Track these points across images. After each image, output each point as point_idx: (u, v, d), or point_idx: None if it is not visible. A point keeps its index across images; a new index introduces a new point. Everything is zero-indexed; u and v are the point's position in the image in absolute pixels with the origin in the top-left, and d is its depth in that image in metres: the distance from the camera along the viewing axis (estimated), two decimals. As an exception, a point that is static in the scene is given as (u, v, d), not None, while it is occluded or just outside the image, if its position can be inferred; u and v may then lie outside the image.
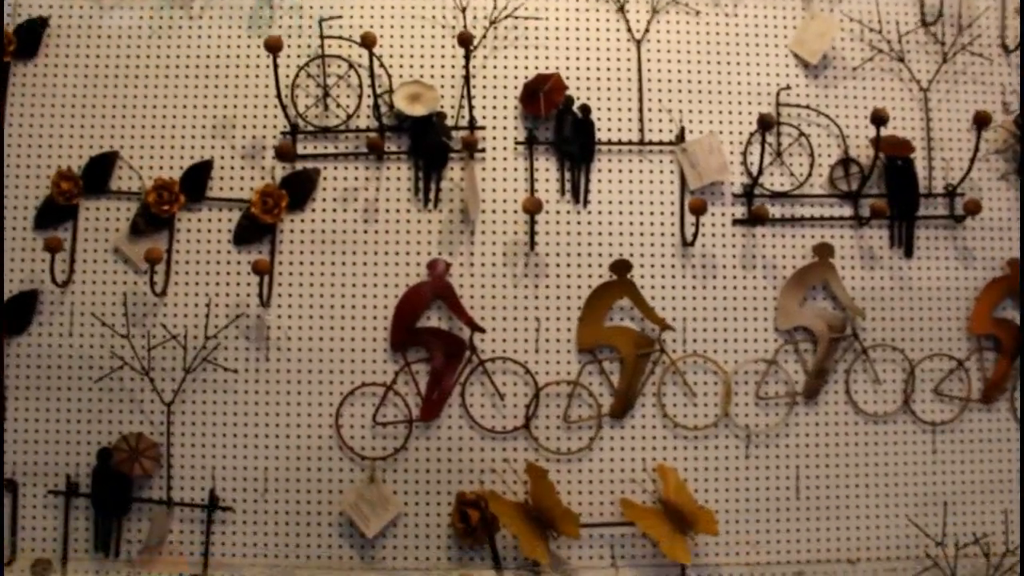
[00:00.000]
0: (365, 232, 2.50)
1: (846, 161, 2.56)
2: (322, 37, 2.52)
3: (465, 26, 2.53)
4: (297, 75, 2.52)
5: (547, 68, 2.55)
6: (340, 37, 2.54)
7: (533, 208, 2.38)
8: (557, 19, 2.57)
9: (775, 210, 2.52)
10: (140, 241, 2.45)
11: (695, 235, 2.42)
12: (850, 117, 2.58)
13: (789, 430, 2.48)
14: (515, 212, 2.49)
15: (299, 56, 2.54)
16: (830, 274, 2.51)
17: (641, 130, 2.55)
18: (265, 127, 2.53)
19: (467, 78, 2.45)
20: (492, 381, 2.45)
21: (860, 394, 2.49)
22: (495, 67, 2.55)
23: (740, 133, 2.55)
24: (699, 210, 2.36)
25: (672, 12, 2.58)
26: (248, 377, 2.45)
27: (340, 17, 2.54)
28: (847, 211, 2.55)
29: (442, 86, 2.54)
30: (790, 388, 2.50)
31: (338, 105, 2.53)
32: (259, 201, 2.45)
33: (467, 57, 2.39)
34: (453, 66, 2.55)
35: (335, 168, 2.52)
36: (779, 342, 2.50)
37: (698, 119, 2.55)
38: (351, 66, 2.53)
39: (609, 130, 2.54)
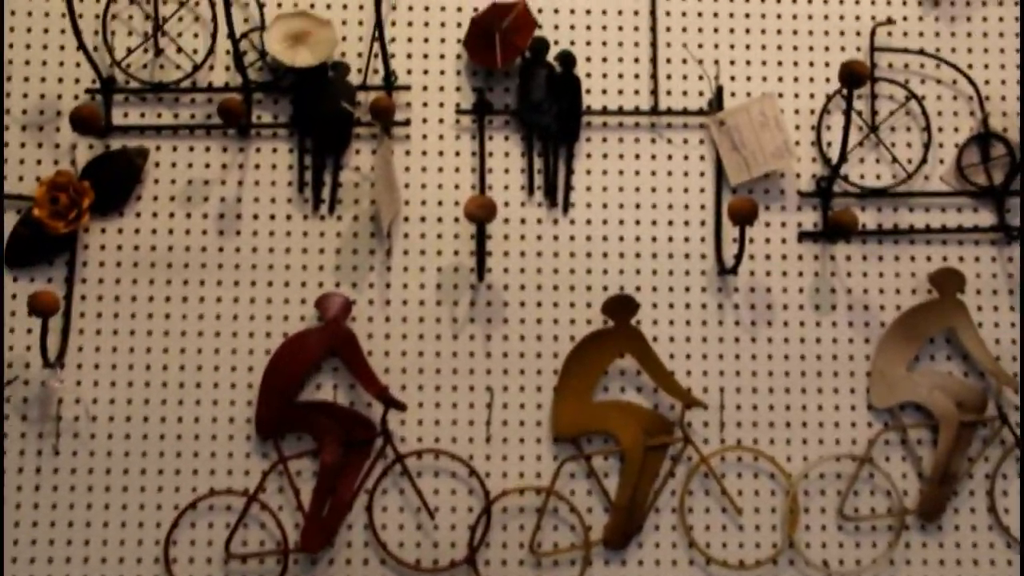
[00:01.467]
0: (219, 250, 1.70)
1: (985, 138, 1.74)
2: None
3: None
4: None
5: (508, -6, 1.79)
6: None
7: (482, 214, 1.59)
8: None
9: (868, 217, 1.72)
10: None
11: (739, 256, 1.62)
12: (992, 69, 1.77)
13: (896, 570, 1.68)
14: (456, 220, 1.70)
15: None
16: (959, 318, 1.69)
17: (655, 91, 1.74)
18: (62, 80, 1.73)
19: (377, 7, 1.64)
20: (417, 487, 1.64)
21: (1014, 513, 1.68)
22: (427, -8, 1.80)
23: (811, 96, 1.75)
24: (745, 217, 1.57)
25: None
26: (25, 481, 1.63)
27: None
28: (986, 218, 1.73)
29: (344, 22, 1.74)
30: (895, 502, 1.67)
31: (179, 49, 1.73)
32: (46, 199, 1.64)
33: None
34: None
35: (173, 148, 1.71)
36: (875, 428, 1.69)
37: (743, 74, 1.75)
38: (199, -13, 1.77)
39: (604, 92, 1.74)
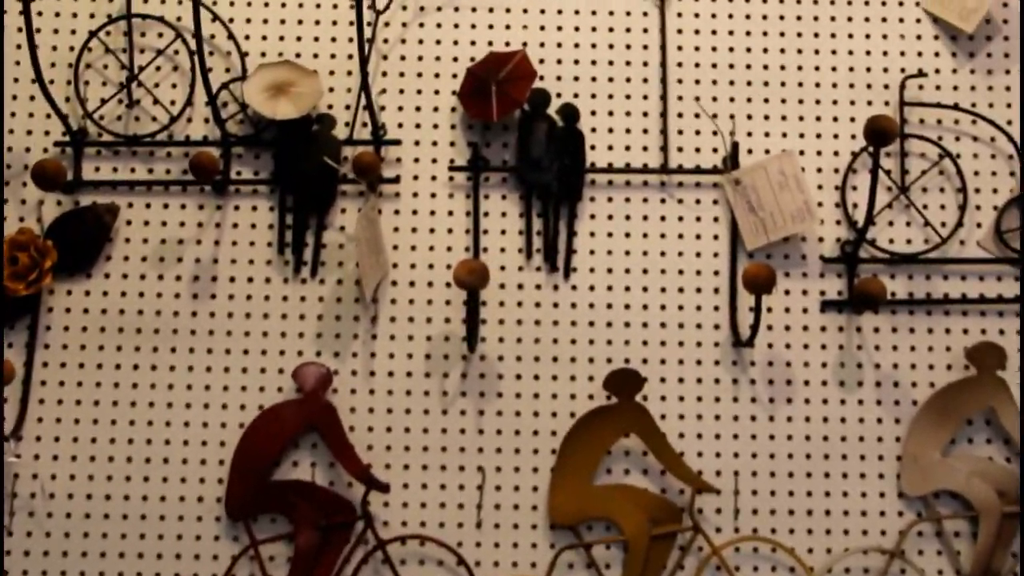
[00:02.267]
0: (192, 315, 1.61)
1: (1024, 202, 1.69)
2: None
3: None
4: (86, 46, 1.66)
5: (506, 44, 1.69)
6: None
7: (473, 280, 1.49)
8: None
9: (897, 285, 1.62)
10: None
11: (755, 327, 1.52)
12: (1033, 125, 1.72)
13: None
14: (447, 285, 1.62)
15: (90, 16, 1.69)
16: (1000, 398, 1.57)
17: (664, 148, 1.65)
18: (31, 132, 1.66)
19: (363, 57, 1.55)
20: (399, 577, 1.60)
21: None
22: (419, 41, 1.68)
23: (835, 153, 1.66)
24: (762, 285, 1.48)
25: None
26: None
27: None
28: (1028, 289, 1.68)
29: (332, 71, 1.67)
30: (927, 604, 1.60)
31: (155, 101, 1.67)
32: (7, 258, 1.60)
33: (359, 19, 1.49)
34: (351, 38, 1.68)
35: (146, 205, 1.64)
36: (907, 518, 1.57)
37: (761, 130, 1.66)
38: (178, 34, 1.67)
39: (610, 148, 1.65)
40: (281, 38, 1.68)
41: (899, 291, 1.64)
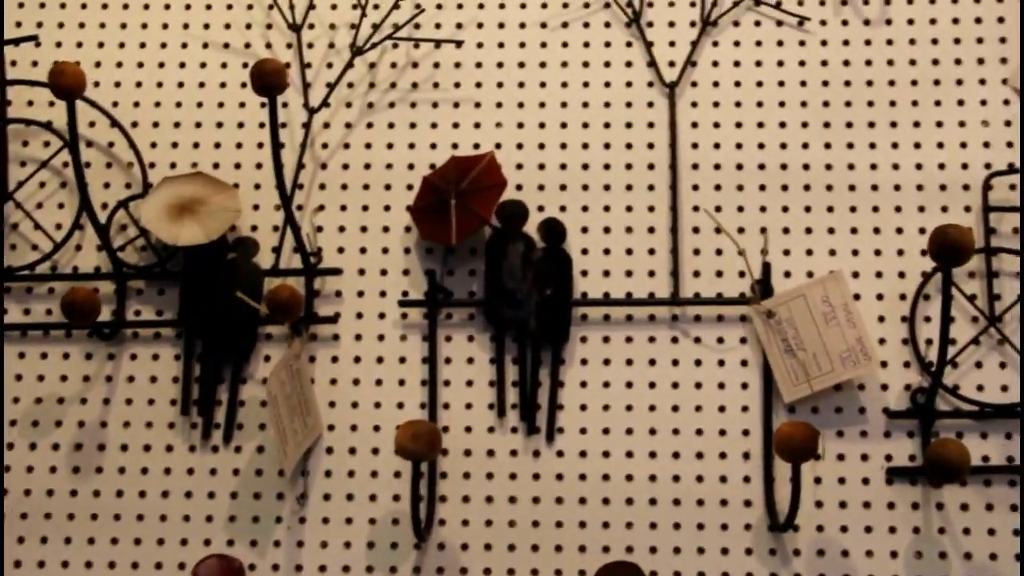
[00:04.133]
0: (72, 494, 1.37)
1: None
2: (3, 81, 1.47)
3: (303, 62, 1.46)
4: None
5: (475, 146, 1.45)
6: (31, 82, 1.48)
7: (419, 448, 1.21)
8: (499, 44, 1.47)
9: (989, 447, 1.32)
10: None
11: (794, 506, 1.23)
12: None
13: None
14: (389, 454, 1.37)
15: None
16: None
17: (675, 272, 1.39)
18: None
19: (278, 164, 1.39)
20: None
21: None
22: (366, 145, 1.45)
23: (900, 275, 1.38)
24: (800, 450, 1.17)
25: (747, 25, 1.46)
26: None
27: (35, 39, 1.48)
28: None
29: (257, 186, 1.45)
30: None
31: (36, 225, 1.44)
32: None
33: (273, 117, 1.25)
34: (283, 144, 1.45)
35: (19, 356, 1.41)
36: None
37: (801, 247, 1.39)
38: (66, 143, 1.45)
39: (606, 274, 1.40)
40: (196, 145, 1.47)
41: (993, 455, 1.34)
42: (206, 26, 1.50)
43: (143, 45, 1.49)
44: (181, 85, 1.48)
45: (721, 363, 1.39)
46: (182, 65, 1.49)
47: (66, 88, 1.26)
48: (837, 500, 1.35)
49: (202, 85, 1.48)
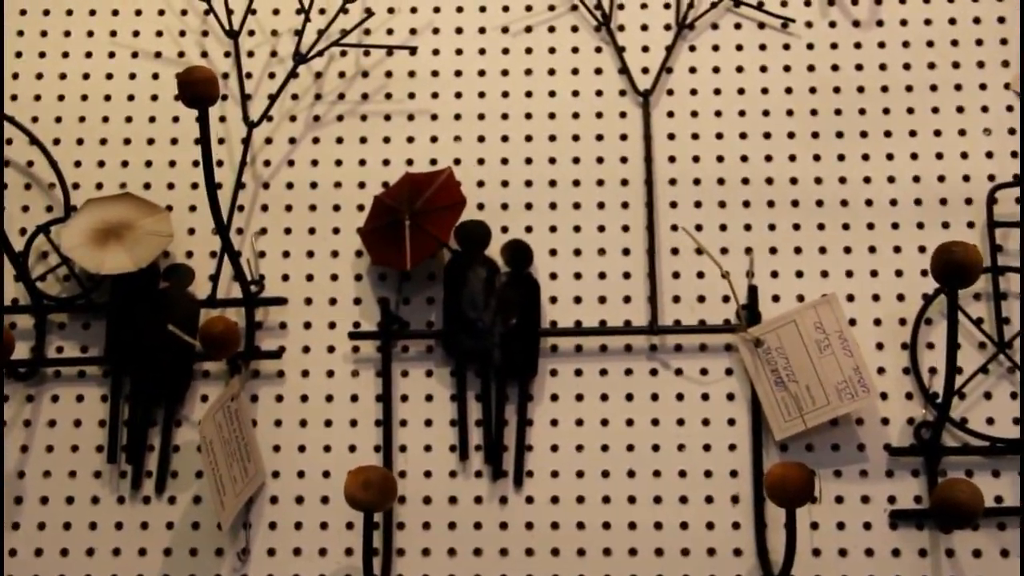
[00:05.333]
0: None
1: None
2: None
3: (242, 71, 1.33)
4: None
5: (432, 162, 1.32)
6: None
7: (371, 497, 1.07)
8: (457, 50, 1.35)
9: (1002, 486, 1.20)
10: None
11: (790, 555, 1.09)
12: None
13: None
14: (340, 503, 1.15)
15: None
16: None
17: (652, 297, 1.26)
18: None
19: (210, 183, 1.26)
20: None
21: None
22: (312, 162, 1.32)
23: (899, 298, 1.26)
24: (793, 493, 1.04)
25: (726, 27, 1.35)
26: None
27: None
28: None
29: (193, 208, 1.32)
30: None
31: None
32: None
33: (205, 134, 1.10)
34: (221, 161, 1.32)
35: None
36: None
37: (790, 268, 1.27)
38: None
39: (577, 300, 1.27)
40: (124, 163, 1.33)
41: (1006, 494, 1.21)
42: (135, 33, 1.37)
43: (66, 55, 1.36)
44: (108, 98, 1.35)
45: (705, 397, 1.26)
46: (109, 76, 1.35)
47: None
48: (836, 547, 1.21)
49: (131, 98, 1.35)
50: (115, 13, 1.38)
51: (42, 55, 1.37)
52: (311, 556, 1.23)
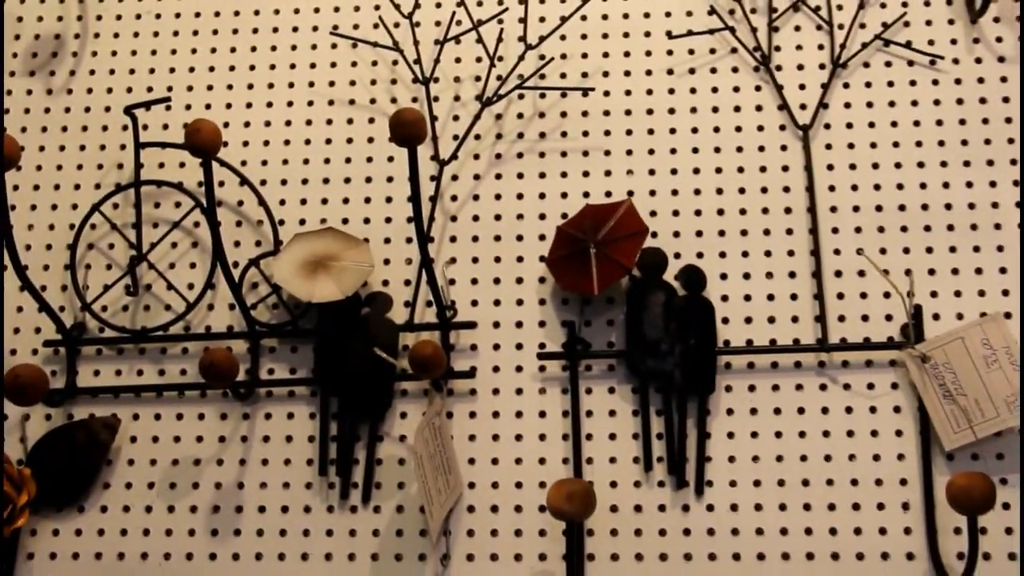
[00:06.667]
0: (211, 557, 1.31)
1: None
2: (137, 144, 1.43)
3: (432, 114, 1.42)
4: (86, 222, 1.42)
5: (607, 194, 1.40)
6: (164, 144, 1.45)
7: (575, 508, 1.13)
8: (626, 91, 1.42)
9: None
10: None
11: (971, 562, 1.13)
12: None
13: None
14: (540, 510, 1.29)
15: (95, 187, 1.45)
16: None
17: (821, 317, 1.32)
18: (18, 331, 1.41)
19: (419, 221, 1.34)
20: None
21: None
22: (496, 196, 1.40)
23: None
24: (979, 502, 1.07)
25: (877, 65, 1.40)
26: None
27: (167, 102, 1.45)
28: None
29: (387, 240, 1.41)
30: None
31: (169, 286, 1.40)
32: None
33: (413, 170, 1.18)
34: (410, 198, 1.36)
35: (155, 417, 1.37)
36: None
37: (950, 288, 1.32)
38: (197, 202, 1.43)
39: (748, 320, 1.33)
40: (324, 201, 1.42)
41: None
42: (331, 83, 1.46)
43: (270, 104, 1.45)
44: (308, 142, 1.44)
45: (873, 410, 1.31)
46: (308, 123, 1.44)
47: (202, 146, 1.19)
48: (1006, 552, 1.26)
49: (328, 141, 1.44)
50: (312, 66, 1.48)
51: (248, 105, 1.47)
52: (507, 561, 1.31)
